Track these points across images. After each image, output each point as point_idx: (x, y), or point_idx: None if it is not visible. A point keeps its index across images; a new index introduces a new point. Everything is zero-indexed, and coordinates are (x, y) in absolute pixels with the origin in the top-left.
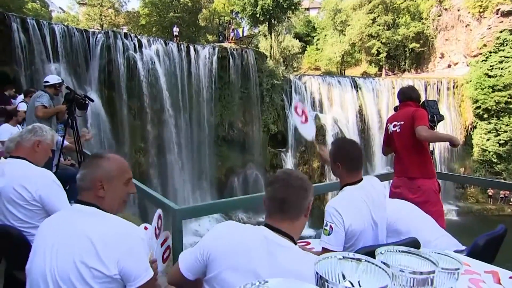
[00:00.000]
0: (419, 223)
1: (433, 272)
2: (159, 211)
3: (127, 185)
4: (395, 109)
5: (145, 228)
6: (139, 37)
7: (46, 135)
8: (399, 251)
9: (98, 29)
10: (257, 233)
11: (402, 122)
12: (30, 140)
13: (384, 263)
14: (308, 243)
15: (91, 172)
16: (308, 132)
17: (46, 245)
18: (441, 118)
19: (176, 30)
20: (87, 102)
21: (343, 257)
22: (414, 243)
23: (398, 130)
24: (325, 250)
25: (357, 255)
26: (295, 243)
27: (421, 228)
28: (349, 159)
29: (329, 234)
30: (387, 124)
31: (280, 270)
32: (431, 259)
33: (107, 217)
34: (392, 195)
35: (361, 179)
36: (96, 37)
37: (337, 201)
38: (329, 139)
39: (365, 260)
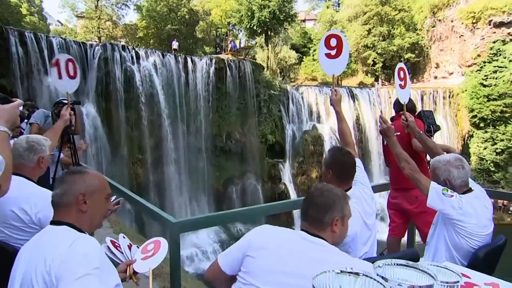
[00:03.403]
0: None
1: (432, 286)
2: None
3: (108, 201)
4: (392, 119)
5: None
6: (136, 49)
7: (45, 149)
8: (397, 264)
9: (96, 41)
10: (294, 233)
11: (398, 133)
12: (33, 160)
13: (382, 277)
14: None
15: (73, 186)
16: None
17: (18, 276)
18: (438, 128)
19: (175, 44)
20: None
21: (341, 271)
22: (413, 256)
23: None
24: None
25: (355, 269)
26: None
27: None
28: (341, 168)
29: None
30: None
31: (309, 261)
32: (429, 272)
33: (72, 235)
34: (390, 205)
35: (351, 187)
36: (94, 50)
37: None
38: (327, 148)
39: (363, 274)
